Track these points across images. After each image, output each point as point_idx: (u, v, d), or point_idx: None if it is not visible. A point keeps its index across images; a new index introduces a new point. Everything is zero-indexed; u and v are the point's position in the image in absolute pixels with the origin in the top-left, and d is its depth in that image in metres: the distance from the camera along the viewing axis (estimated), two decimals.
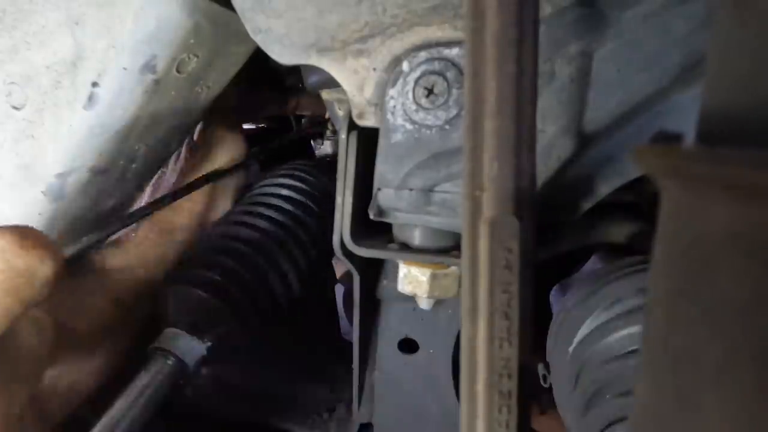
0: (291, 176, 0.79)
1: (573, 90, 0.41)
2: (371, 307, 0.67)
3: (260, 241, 0.70)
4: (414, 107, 0.43)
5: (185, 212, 0.73)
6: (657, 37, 0.39)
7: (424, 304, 0.58)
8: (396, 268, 0.57)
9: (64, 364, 0.57)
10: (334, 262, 0.89)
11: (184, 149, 0.77)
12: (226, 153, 0.78)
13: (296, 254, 0.72)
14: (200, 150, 0.76)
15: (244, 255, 0.69)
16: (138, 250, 0.69)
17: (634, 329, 0.44)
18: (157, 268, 0.70)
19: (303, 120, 0.98)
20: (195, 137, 0.78)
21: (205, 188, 0.74)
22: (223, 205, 0.78)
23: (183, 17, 0.49)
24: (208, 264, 0.68)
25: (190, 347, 0.63)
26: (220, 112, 0.76)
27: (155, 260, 0.70)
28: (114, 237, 0.71)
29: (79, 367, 0.60)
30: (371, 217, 0.49)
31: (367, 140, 0.51)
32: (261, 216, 0.72)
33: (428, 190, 0.46)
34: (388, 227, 0.56)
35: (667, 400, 0.22)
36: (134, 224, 0.70)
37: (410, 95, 0.43)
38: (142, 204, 0.76)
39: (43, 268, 0.41)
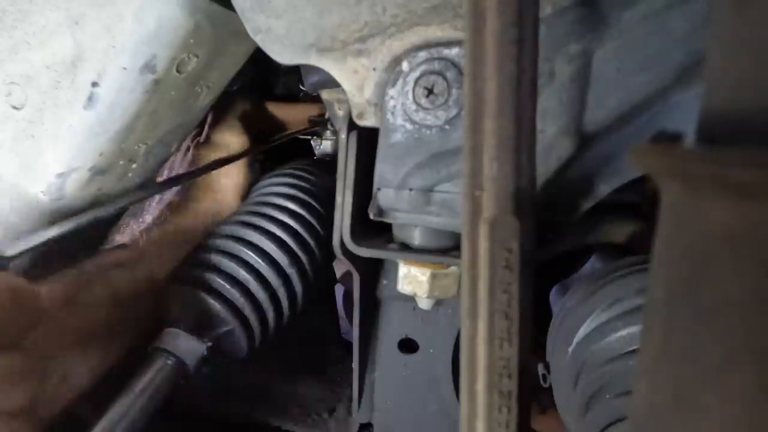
0: (294, 176, 0.78)
1: (573, 90, 0.41)
2: (371, 307, 0.67)
3: (263, 243, 0.70)
4: (414, 107, 0.43)
5: (198, 215, 0.73)
6: (657, 37, 0.39)
7: (424, 304, 0.58)
8: (396, 268, 0.57)
9: (56, 357, 0.58)
10: (334, 262, 0.89)
11: (191, 150, 0.78)
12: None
13: (300, 255, 0.72)
14: (206, 151, 0.77)
15: (246, 257, 0.68)
16: (151, 255, 0.69)
17: (634, 329, 0.44)
18: (166, 272, 0.70)
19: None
20: (202, 138, 0.79)
21: (214, 190, 0.75)
22: (231, 205, 0.78)
23: (183, 17, 0.49)
24: (210, 265, 0.68)
25: (190, 347, 0.63)
26: (227, 116, 0.77)
27: (167, 262, 0.70)
28: (126, 237, 0.71)
29: (72, 362, 0.60)
30: (371, 217, 0.49)
31: (367, 140, 0.51)
32: (264, 216, 0.72)
33: (428, 190, 0.46)
34: (388, 227, 0.56)
35: (667, 400, 0.22)
36: (147, 225, 0.71)
37: (410, 95, 0.43)
38: (154, 204, 0.77)
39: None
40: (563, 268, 0.79)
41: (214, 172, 0.74)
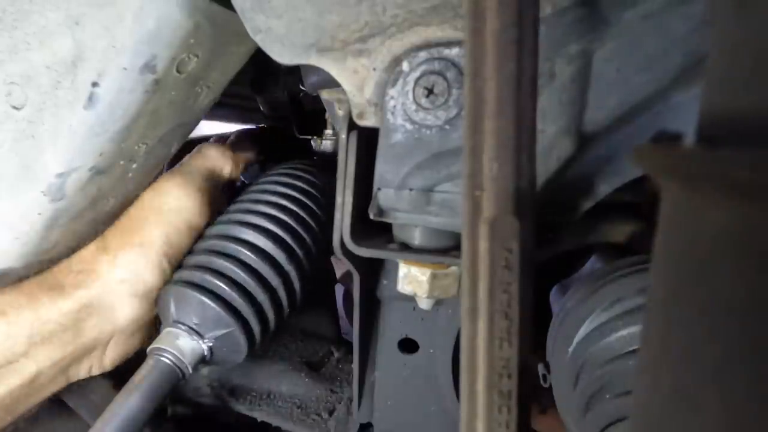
0: (290, 175, 0.78)
1: (573, 90, 0.41)
2: (371, 307, 0.67)
3: (262, 243, 0.70)
4: (414, 107, 0.43)
5: (179, 215, 0.72)
6: (657, 37, 0.39)
7: (424, 304, 0.58)
8: (396, 268, 0.57)
9: None
10: (333, 262, 0.89)
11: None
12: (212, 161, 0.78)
13: (298, 255, 0.72)
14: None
15: (245, 257, 0.68)
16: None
17: (634, 329, 0.44)
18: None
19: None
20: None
21: (196, 191, 0.74)
22: (216, 205, 0.77)
23: (183, 17, 0.49)
24: (209, 265, 0.67)
25: (190, 347, 0.63)
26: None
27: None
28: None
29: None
30: (371, 217, 0.49)
31: (367, 140, 0.51)
32: (262, 215, 0.72)
33: (428, 190, 0.46)
34: (388, 227, 0.56)
35: (667, 400, 0.22)
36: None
37: (410, 95, 0.43)
38: None
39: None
40: (563, 268, 0.79)
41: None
